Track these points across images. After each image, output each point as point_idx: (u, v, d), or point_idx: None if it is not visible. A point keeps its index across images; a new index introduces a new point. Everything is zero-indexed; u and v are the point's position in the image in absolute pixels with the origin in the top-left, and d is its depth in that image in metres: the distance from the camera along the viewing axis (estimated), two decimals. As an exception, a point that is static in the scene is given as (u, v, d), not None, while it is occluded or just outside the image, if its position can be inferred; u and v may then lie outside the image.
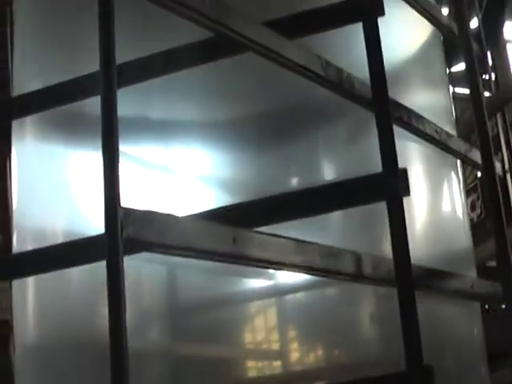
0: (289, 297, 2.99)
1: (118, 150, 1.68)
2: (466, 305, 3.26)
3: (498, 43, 7.02)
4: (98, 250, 1.70)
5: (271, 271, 2.78)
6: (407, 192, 2.43)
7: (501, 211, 3.13)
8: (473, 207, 7.64)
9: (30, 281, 3.12)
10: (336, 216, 2.83)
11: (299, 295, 2.99)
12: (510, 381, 3.46)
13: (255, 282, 2.93)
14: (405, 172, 2.44)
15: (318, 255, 2.21)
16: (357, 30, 2.59)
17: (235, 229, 1.94)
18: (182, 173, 2.94)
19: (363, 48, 2.55)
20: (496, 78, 6.88)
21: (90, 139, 2.76)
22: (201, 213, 2.43)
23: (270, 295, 3.00)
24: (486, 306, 5.43)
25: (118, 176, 1.68)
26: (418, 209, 3.21)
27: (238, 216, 2.44)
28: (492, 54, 6.83)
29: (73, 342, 2.87)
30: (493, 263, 5.28)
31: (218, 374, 2.80)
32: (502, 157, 5.51)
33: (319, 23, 2.65)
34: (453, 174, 3.62)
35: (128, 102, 2.83)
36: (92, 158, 2.78)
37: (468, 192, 7.30)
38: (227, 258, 1.96)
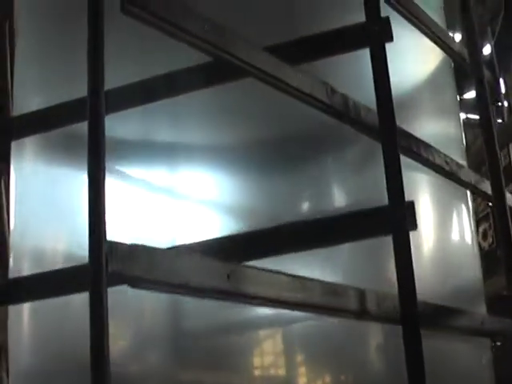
0: (295, 324, 2.89)
1: (104, 181, 1.58)
2: (475, 342, 3.14)
3: (510, 70, 6.95)
4: (84, 280, 1.62)
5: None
6: (414, 226, 2.33)
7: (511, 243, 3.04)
8: (484, 236, 7.52)
9: (26, 307, 3.04)
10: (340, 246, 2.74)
11: (305, 323, 2.90)
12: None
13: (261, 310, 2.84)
14: (412, 205, 2.34)
15: (318, 292, 2.10)
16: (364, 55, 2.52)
17: (229, 264, 1.83)
18: (187, 196, 2.90)
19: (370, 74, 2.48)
20: (509, 105, 6.80)
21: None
22: (195, 243, 2.35)
23: (276, 323, 2.91)
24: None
25: (104, 208, 1.59)
26: (425, 241, 3.11)
27: (238, 248, 2.36)
28: (505, 81, 6.75)
29: (67, 368, 2.79)
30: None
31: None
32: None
33: (325, 48, 2.57)
34: (463, 206, 3.52)
35: (134, 126, 2.86)
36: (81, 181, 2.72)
37: (479, 221, 7.19)
38: (220, 296, 1.85)
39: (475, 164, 4.76)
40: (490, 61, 4.11)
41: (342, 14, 2.88)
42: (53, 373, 2.90)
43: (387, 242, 2.34)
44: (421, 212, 2.91)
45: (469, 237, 3.45)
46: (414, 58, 3.37)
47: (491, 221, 7.48)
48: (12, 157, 3.51)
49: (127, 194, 2.89)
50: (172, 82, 2.61)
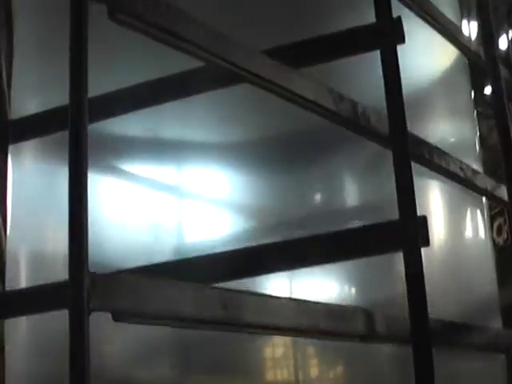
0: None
1: (87, 215, 1.43)
2: (489, 358, 3.00)
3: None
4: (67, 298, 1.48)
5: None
6: (426, 242, 2.19)
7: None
8: (499, 231, 7.34)
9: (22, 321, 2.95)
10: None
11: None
12: None
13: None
14: (424, 220, 2.19)
15: (322, 316, 1.96)
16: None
17: (224, 292, 1.69)
18: (195, 195, 2.87)
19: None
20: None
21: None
22: (201, 256, 2.24)
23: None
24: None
25: (86, 239, 1.45)
26: (437, 254, 2.96)
27: (248, 262, 2.26)
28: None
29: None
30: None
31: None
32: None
33: (331, 51, 2.41)
34: (478, 211, 3.37)
35: (143, 124, 2.78)
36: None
37: (494, 216, 7.01)
38: (216, 326, 1.71)
39: (491, 159, 4.59)
40: (506, 57, 3.94)
41: (349, 15, 2.74)
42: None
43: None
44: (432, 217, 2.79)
45: (485, 247, 3.30)
46: (426, 56, 3.22)
47: (506, 216, 7.30)
48: (10, 159, 3.43)
49: (135, 192, 2.84)
50: (181, 83, 2.55)
